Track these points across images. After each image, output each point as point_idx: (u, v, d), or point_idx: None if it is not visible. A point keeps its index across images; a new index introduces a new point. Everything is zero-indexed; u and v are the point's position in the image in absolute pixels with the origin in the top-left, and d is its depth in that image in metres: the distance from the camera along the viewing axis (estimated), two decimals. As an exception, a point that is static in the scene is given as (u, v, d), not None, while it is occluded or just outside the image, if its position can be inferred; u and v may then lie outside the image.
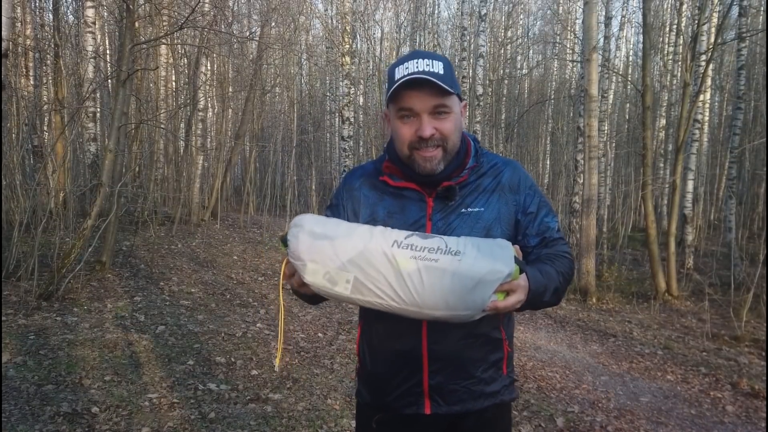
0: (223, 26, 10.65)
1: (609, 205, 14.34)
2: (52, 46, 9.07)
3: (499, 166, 1.44)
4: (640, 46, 12.22)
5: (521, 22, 22.73)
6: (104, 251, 5.86)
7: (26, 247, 5.39)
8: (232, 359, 3.98)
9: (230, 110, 14.37)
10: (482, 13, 12.68)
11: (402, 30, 19.52)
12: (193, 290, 5.84)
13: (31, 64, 8.91)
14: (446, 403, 1.36)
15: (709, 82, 12.59)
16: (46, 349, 3.71)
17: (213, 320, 4.88)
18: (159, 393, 3.30)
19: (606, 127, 13.07)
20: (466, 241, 1.22)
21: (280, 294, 1.36)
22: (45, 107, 9.01)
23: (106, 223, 5.63)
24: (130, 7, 5.67)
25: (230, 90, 13.85)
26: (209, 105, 13.09)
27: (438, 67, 1.29)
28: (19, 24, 8.60)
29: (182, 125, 11.61)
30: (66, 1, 11.50)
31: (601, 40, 11.97)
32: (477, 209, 1.37)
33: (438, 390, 1.36)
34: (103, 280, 5.59)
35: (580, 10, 17.04)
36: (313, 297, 1.35)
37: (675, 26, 13.57)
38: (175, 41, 10.26)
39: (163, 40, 9.03)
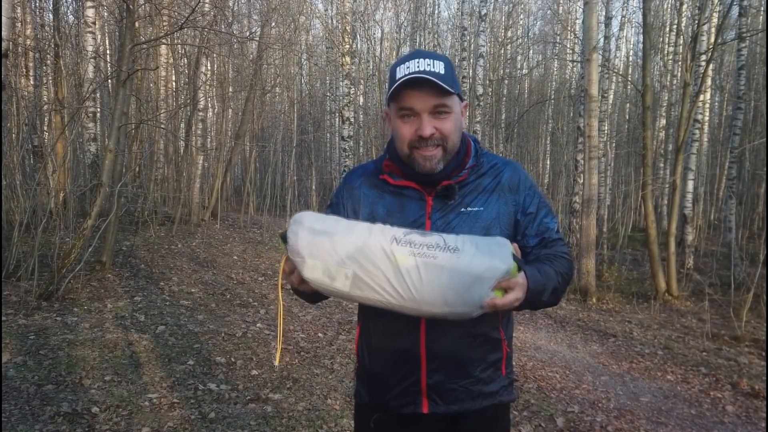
0: (223, 26, 10.65)
1: (609, 205, 14.34)
2: (52, 46, 9.07)
3: (499, 166, 1.44)
4: (640, 46, 12.22)
5: (521, 22, 22.74)
6: (104, 251, 5.86)
7: (26, 247, 5.39)
8: (232, 359, 3.98)
9: (230, 110, 14.38)
10: (482, 13, 12.68)
11: (402, 30, 19.53)
12: (193, 290, 5.84)
13: (31, 64, 8.92)
14: (444, 403, 1.36)
15: (709, 82, 12.59)
16: (46, 349, 3.71)
17: (213, 320, 4.88)
18: (159, 393, 3.30)
19: (606, 127, 13.07)
20: (464, 239, 1.23)
21: (279, 290, 1.37)
22: (45, 107, 9.01)
23: (106, 223, 5.63)
24: (130, 7, 5.67)
25: (230, 90, 13.85)
26: (209, 105, 13.10)
27: (439, 67, 1.29)
28: (19, 24, 8.61)
29: (182, 125, 11.61)
30: (66, 1, 11.52)
31: (601, 40, 11.97)
32: (476, 209, 1.37)
33: (436, 389, 1.36)
34: (103, 280, 5.59)
35: (580, 10, 17.05)
36: (312, 295, 1.35)
37: (675, 26, 13.57)
38: (175, 41, 10.26)
39: (163, 40, 9.04)
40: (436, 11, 21.33)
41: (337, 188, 1.54)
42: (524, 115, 17.86)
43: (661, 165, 14.06)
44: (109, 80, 10.14)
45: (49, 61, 9.22)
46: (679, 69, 12.36)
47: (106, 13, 11.57)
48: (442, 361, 1.35)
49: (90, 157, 8.18)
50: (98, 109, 9.49)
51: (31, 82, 9.00)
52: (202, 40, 10.32)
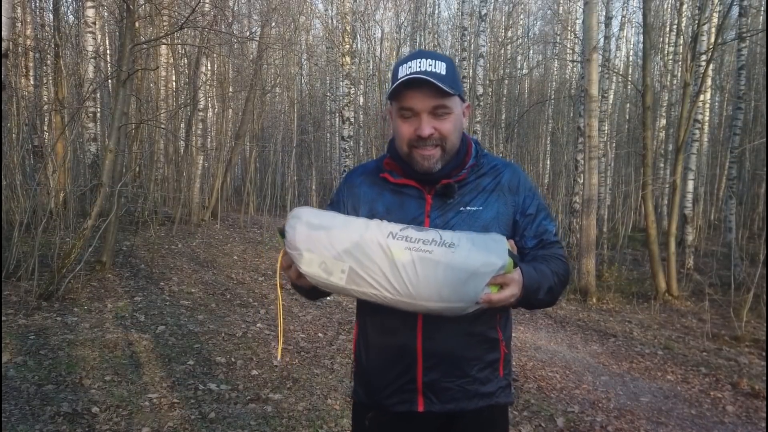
0: (223, 26, 10.66)
1: (609, 205, 14.34)
2: (53, 46, 9.07)
3: (499, 167, 1.45)
4: (641, 46, 12.21)
5: (521, 22, 22.74)
6: (104, 251, 5.86)
7: (26, 247, 5.39)
8: (233, 359, 3.98)
9: (230, 110, 14.38)
10: (482, 13, 12.68)
11: (402, 30, 19.54)
12: (193, 290, 5.84)
13: (31, 64, 8.92)
14: (440, 401, 1.36)
15: (709, 82, 12.59)
16: (46, 349, 3.71)
17: (213, 320, 4.88)
18: (159, 393, 3.30)
19: (606, 127, 13.07)
20: (460, 235, 1.23)
21: (278, 286, 1.38)
22: (45, 107, 9.02)
23: (107, 223, 5.63)
24: (131, 7, 5.67)
25: (230, 90, 13.85)
26: (209, 105, 13.10)
27: (440, 68, 1.30)
28: (19, 24, 8.61)
29: (182, 125, 11.61)
30: (66, 1, 11.52)
31: (602, 40, 11.97)
32: (475, 208, 1.38)
33: (431, 387, 1.36)
34: (104, 280, 5.59)
35: (580, 10, 17.05)
36: (311, 291, 1.36)
37: (675, 26, 13.57)
38: (176, 41, 10.26)
39: (164, 40, 9.03)
40: (436, 11, 21.34)
41: (337, 187, 1.55)
42: (524, 115, 17.86)
43: (661, 165, 14.06)
44: (109, 80, 10.15)
45: (49, 61, 9.22)
46: (679, 69, 12.36)
47: (106, 13, 11.57)
48: (438, 359, 1.35)
49: (90, 157, 8.19)
50: (98, 109, 9.49)
51: (31, 82, 9.00)
52: (203, 40, 10.32)
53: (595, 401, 3.96)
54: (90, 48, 8.32)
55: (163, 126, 10.10)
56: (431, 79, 1.26)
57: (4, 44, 3.78)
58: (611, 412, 3.80)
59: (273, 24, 13.65)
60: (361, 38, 18.37)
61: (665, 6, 17.13)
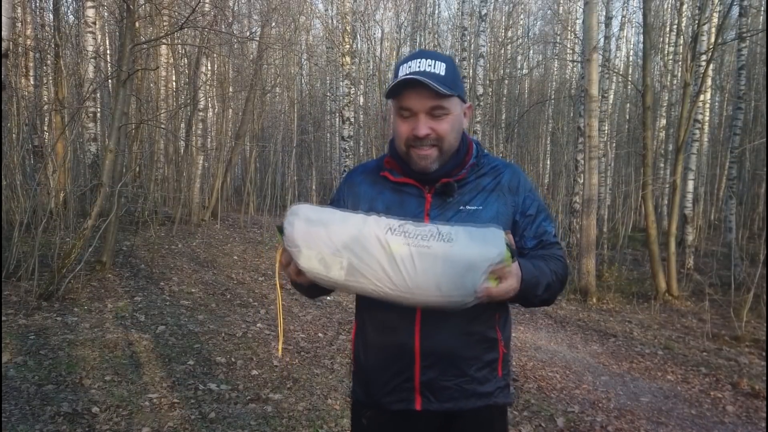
0: (223, 26, 10.66)
1: (609, 205, 14.34)
2: (53, 46, 9.07)
3: (500, 167, 1.45)
4: (641, 46, 12.21)
5: (521, 22, 22.74)
6: (104, 251, 5.86)
7: (26, 247, 5.39)
8: (233, 359, 3.98)
9: (230, 110, 14.38)
10: (482, 13, 12.68)
11: (402, 30, 19.54)
12: (193, 290, 5.84)
13: (31, 64, 8.92)
14: (437, 400, 1.36)
15: (709, 82, 12.59)
16: (46, 349, 3.71)
17: (213, 320, 4.88)
18: (159, 393, 3.30)
19: (606, 127, 13.07)
20: (458, 229, 1.24)
21: (277, 282, 1.38)
22: (45, 107, 9.02)
23: (107, 223, 5.63)
24: (131, 7, 5.67)
25: (230, 90, 13.85)
26: (209, 105, 13.10)
27: (440, 68, 1.30)
28: (19, 24, 8.61)
29: (182, 125, 11.61)
30: (66, 1, 11.52)
31: (602, 40, 11.97)
32: (475, 207, 1.38)
33: (429, 386, 1.36)
34: (104, 280, 5.59)
35: (581, 10, 17.04)
36: (310, 288, 1.35)
37: (675, 26, 13.57)
38: (176, 41, 10.26)
39: (164, 40, 9.03)
40: (437, 11, 21.34)
41: (338, 186, 1.56)
42: (524, 115, 17.86)
43: (662, 165, 14.06)
44: (110, 80, 10.14)
45: (49, 61, 9.22)
46: (680, 69, 12.36)
47: (106, 13, 11.57)
48: (436, 358, 1.35)
49: (90, 157, 8.19)
50: (98, 109, 9.49)
51: (32, 82, 9.00)
52: (203, 40, 10.32)
53: (595, 401, 3.96)
54: (90, 48, 8.32)
55: (163, 126, 10.10)
56: (428, 80, 1.27)
57: (4, 44, 3.78)
58: (611, 412, 3.80)
59: (273, 24, 13.65)
60: (361, 38, 18.37)
61: (665, 6, 17.13)
